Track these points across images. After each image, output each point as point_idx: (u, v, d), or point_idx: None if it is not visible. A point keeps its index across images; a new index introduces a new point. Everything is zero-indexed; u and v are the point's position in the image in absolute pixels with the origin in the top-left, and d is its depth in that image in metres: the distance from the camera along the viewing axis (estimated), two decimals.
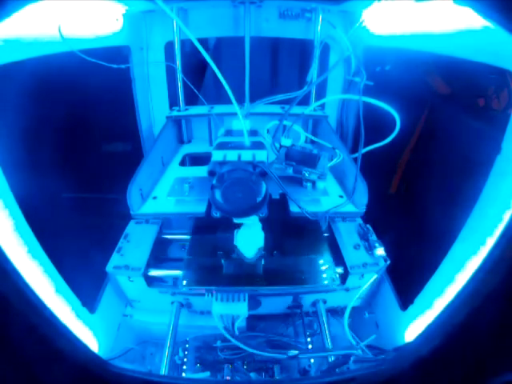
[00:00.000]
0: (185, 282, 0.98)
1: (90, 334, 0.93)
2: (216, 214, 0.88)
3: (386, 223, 1.30)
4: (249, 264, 1.00)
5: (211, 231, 1.18)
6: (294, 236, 1.18)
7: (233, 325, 0.93)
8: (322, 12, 1.42)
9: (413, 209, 1.94)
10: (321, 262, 1.07)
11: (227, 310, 0.93)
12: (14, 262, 0.56)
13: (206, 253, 1.09)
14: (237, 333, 0.93)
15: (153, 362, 1.21)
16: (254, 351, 0.87)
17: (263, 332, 1.20)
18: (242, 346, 0.88)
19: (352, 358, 0.82)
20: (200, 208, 1.17)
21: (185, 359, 1.17)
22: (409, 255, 1.63)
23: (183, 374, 1.14)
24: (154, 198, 1.26)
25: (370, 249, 1.08)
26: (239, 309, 0.94)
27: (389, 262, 1.04)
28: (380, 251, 1.05)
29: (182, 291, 1.00)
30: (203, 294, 0.98)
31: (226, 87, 0.81)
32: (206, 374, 1.12)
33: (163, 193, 1.29)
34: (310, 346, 1.16)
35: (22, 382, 0.55)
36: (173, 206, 1.21)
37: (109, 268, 1.03)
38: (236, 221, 0.96)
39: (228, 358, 1.15)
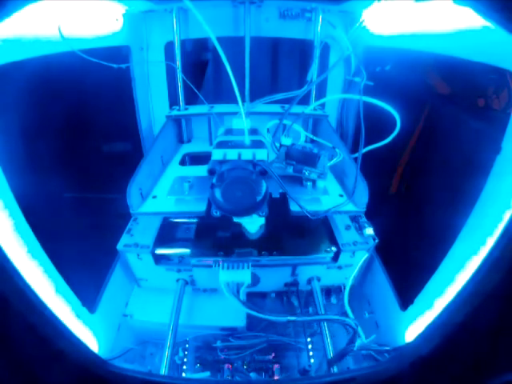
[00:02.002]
0: (193, 255, 1.06)
1: (90, 334, 0.93)
2: (216, 213, 0.89)
3: (386, 223, 1.30)
4: (252, 239, 1.08)
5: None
6: (295, 236, 1.19)
7: (238, 291, 0.96)
8: (321, 12, 1.42)
9: (413, 209, 1.94)
10: (317, 238, 1.15)
11: (233, 277, 0.97)
12: (14, 261, 0.56)
13: (212, 230, 1.15)
14: (242, 298, 0.97)
15: (153, 362, 1.21)
16: (257, 314, 0.88)
17: (263, 332, 1.21)
18: (247, 310, 0.89)
19: (356, 344, 0.82)
20: (200, 207, 1.18)
21: (185, 359, 1.18)
22: (409, 255, 1.64)
23: (183, 374, 1.15)
24: (154, 197, 1.26)
25: (360, 229, 1.16)
26: (243, 275, 0.98)
27: (377, 241, 1.11)
28: (369, 231, 1.13)
29: (192, 263, 1.08)
30: (211, 266, 1.02)
31: (234, 85, 0.82)
32: (206, 374, 1.12)
33: (163, 192, 1.29)
34: (309, 346, 1.16)
35: (22, 382, 0.56)
36: (173, 205, 1.22)
37: (119, 246, 1.09)
38: (236, 220, 0.96)
39: (228, 358, 1.16)
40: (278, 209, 1.16)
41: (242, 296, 0.97)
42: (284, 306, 1.27)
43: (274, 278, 1.19)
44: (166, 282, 1.19)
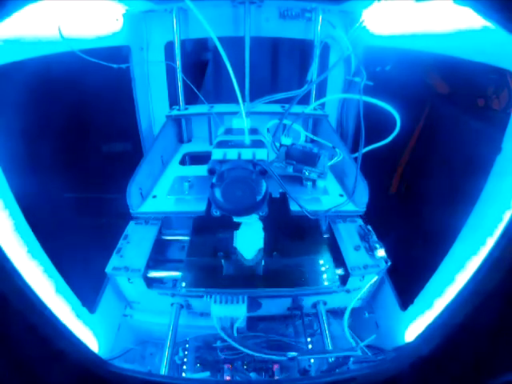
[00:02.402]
0: (184, 284, 0.98)
1: (90, 334, 0.93)
2: (216, 213, 0.87)
3: (386, 223, 1.30)
4: (248, 265, 0.99)
5: (210, 232, 1.17)
6: (294, 236, 1.18)
7: (231, 326, 0.92)
8: (322, 12, 1.42)
9: (413, 209, 1.94)
10: (321, 262, 1.06)
11: (226, 312, 0.93)
12: (14, 261, 0.56)
13: (205, 254, 1.08)
14: (235, 334, 0.92)
15: (153, 362, 1.21)
16: (253, 353, 0.87)
17: (263, 332, 1.21)
18: (240, 348, 0.87)
19: (351, 360, 0.82)
20: (200, 207, 1.17)
21: (185, 359, 1.17)
22: (409, 255, 1.63)
23: (183, 374, 1.14)
24: (154, 196, 1.26)
25: (371, 250, 1.08)
26: (238, 311, 0.93)
27: (389, 264, 1.04)
28: (381, 252, 1.05)
29: (181, 293, 1.00)
30: (202, 296, 0.98)
31: (235, 84, 0.81)
32: (206, 374, 1.12)
33: (163, 192, 1.29)
34: (310, 346, 1.16)
35: (22, 382, 0.55)
36: (172, 205, 1.21)
37: (108, 269, 1.03)
38: (236, 220, 0.96)
39: (228, 358, 1.16)
40: (278, 208, 1.13)
41: (236, 332, 0.92)
42: (287, 324, 1.21)
43: (275, 304, 1.13)
44: (160, 306, 1.12)
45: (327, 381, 0.63)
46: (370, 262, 1.05)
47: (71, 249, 1.33)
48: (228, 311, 0.93)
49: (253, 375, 1.12)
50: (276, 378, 1.12)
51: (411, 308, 0.98)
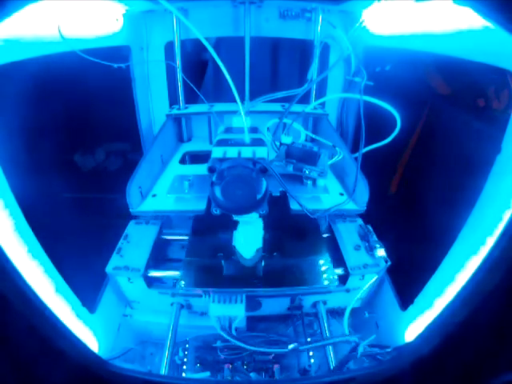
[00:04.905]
0: (183, 283, 0.98)
1: (90, 333, 0.93)
2: (216, 212, 0.87)
3: (386, 223, 1.30)
4: (248, 265, 1.00)
5: (210, 232, 1.17)
6: (294, 236, 1.18)
7: (230, 326, 0.92)
8: (321, 12, 1.41)
9: (413, 209, 1.94)
10: (320, 262, 1.06)
11: (224, 312, 0.93)
12: (14, 261, 0.56)
13: (204, 254, 1.09)
14: (234, 333, 0.92)
15: (153, 362, 1.21)
16: (254, 348, 0.87)
17: (263, 332, 1.20)
18: (241, 344, 0.87)
19: (360, 351, 0.81)
20: (200, 205, 1.16)
21: (185, 359, 1.17)
22: (409, 255, 1.63)
23: (183, 374, 1.14)
24: (154, 195, 1.25)
25: (371, 250, 1.08)
26: (236, 310, 0.93)
27: (389, 263, 1.05)
28: (381, 252, 1.06)
29: (180, 292, 1.00)
30: (201, 296, 0.98)
31: (231, 83, 0.81)
32: (206, 374, 1.12)
33: (163, 190, 1.28)
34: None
35: (23, 381, 0.56)
36: (172, 204, 1.20)
37: (108, 269, 1.03)
38: (236, 218, 0.95)
39: (228, 358, 1.15)
40: (278, 207, 1.12)
41: (234, 331, 0.92)
42: (287, 324, 1.20)
43: (275, 303, 1.13)
44: (160, 306, 1.12)
45: (327, 381, 0.63)
46: (369, 262, 1.05)
47: (71, 249, 1.33)
48: (226, 310, 0.93)
49: (253, 375, 1.12)
50: (276, 377, 1.12)
51: (411, 308, 0.98)
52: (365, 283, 1.07)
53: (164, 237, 1.25)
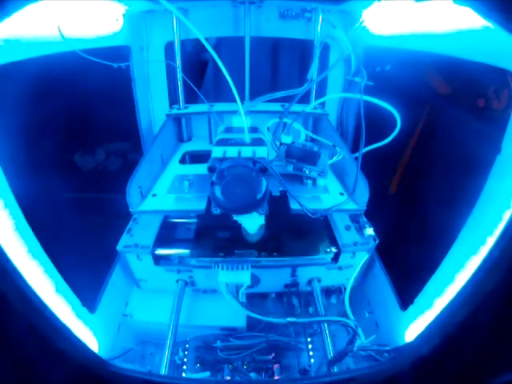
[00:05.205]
0: (193, 255, 1.08)
1: (90, 334, 0.93)
2: (216, 211, 0.88)
3: (386, 223, 1.30)
4: (252, 240, 1.09)
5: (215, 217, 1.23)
6: (294, 235, 1.19)
7: (237, 292, 0.98)
8: (321, 12, 1.41)
9: (413, 209, 1.94)
10: (317, 239, 1.17)
11: (232, 278, 0.98)
12: (14, 261, 0.56)
13: (212, 229, 1.17)
14: (241, 299, 0.99)
15: (153, 362, 1.21)
16: (258, 316, 0.91)
17: (263, 332, 1.21)
18: (246, 311, 0.92)
19: (356, 345, 0.83)
20: (200, 205, 1.17)
21: (185, 359, 1.18)
22: (409, 255, 1.64)
23: (183, 374, 1.15)
24: (154, 195, 1.26)
25: (360, 229, 1.17)
26: (243, 276, 0.99)
27: (377, 241, 1.12)
28: (369, 231, 1.14)
29: (191, 264, 1.10)
30: (210, 267, 1.03)
31: (231, 83, 0.81)
32: (206, 374, 1.12)
33: (163, 190, 1.28)
34: (309, 346, 1.16)
35: (23, 382, 0.56)
36: (172, 204, 1.21)
37: (119, 247, 1.10)
38: (236, 218, 0.96)
39: (228, 358, 1.16)
40: (278, 207, 1.14)
41: (242, 297, 0.97)
42: (284, 306, 1.27)
43: (273, 278, 1.20)
44: (166, 283, 1.19)
45: (327, 381, 0.63)
46: (359, 240, 1.13)
47: (71, 249, 1.33)
48: (234, 277, 0.99)
49: (253, 375, 1.13)
50: (276, 377, 1.12)
51: (411, 308, 0.98)
52: (356, 261, 1.15)
53: (170, 220, 1.30)
